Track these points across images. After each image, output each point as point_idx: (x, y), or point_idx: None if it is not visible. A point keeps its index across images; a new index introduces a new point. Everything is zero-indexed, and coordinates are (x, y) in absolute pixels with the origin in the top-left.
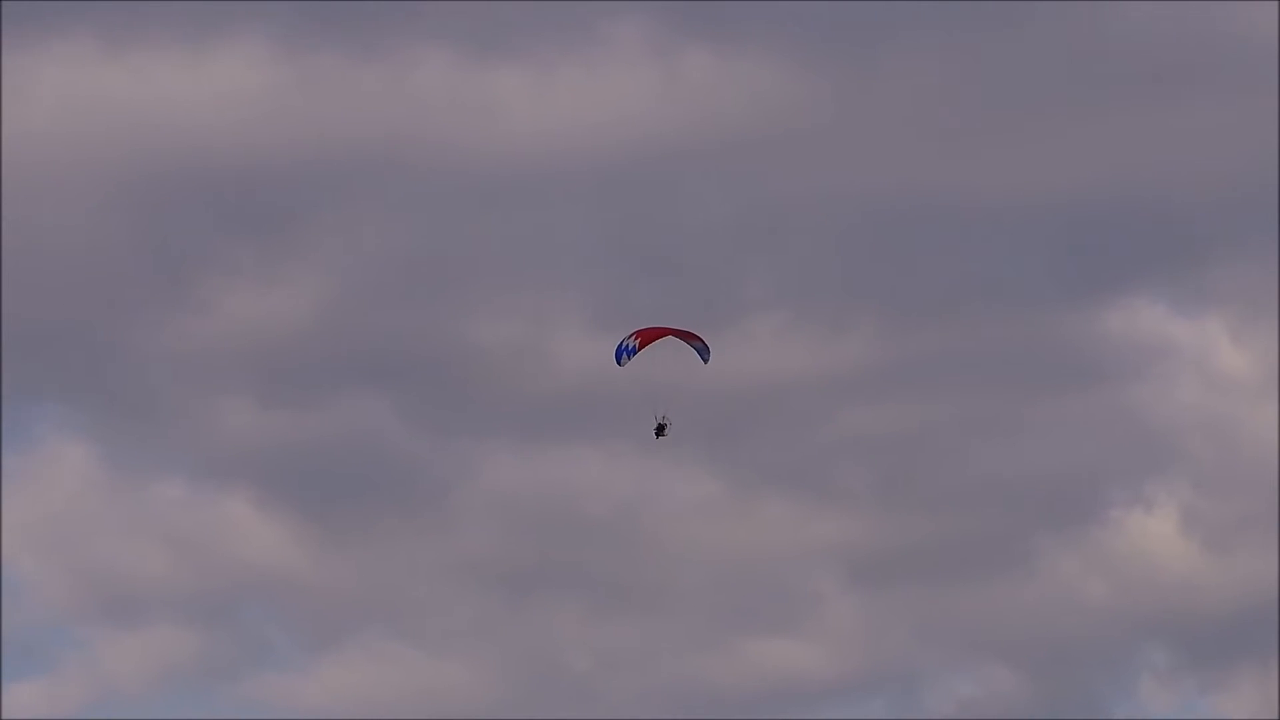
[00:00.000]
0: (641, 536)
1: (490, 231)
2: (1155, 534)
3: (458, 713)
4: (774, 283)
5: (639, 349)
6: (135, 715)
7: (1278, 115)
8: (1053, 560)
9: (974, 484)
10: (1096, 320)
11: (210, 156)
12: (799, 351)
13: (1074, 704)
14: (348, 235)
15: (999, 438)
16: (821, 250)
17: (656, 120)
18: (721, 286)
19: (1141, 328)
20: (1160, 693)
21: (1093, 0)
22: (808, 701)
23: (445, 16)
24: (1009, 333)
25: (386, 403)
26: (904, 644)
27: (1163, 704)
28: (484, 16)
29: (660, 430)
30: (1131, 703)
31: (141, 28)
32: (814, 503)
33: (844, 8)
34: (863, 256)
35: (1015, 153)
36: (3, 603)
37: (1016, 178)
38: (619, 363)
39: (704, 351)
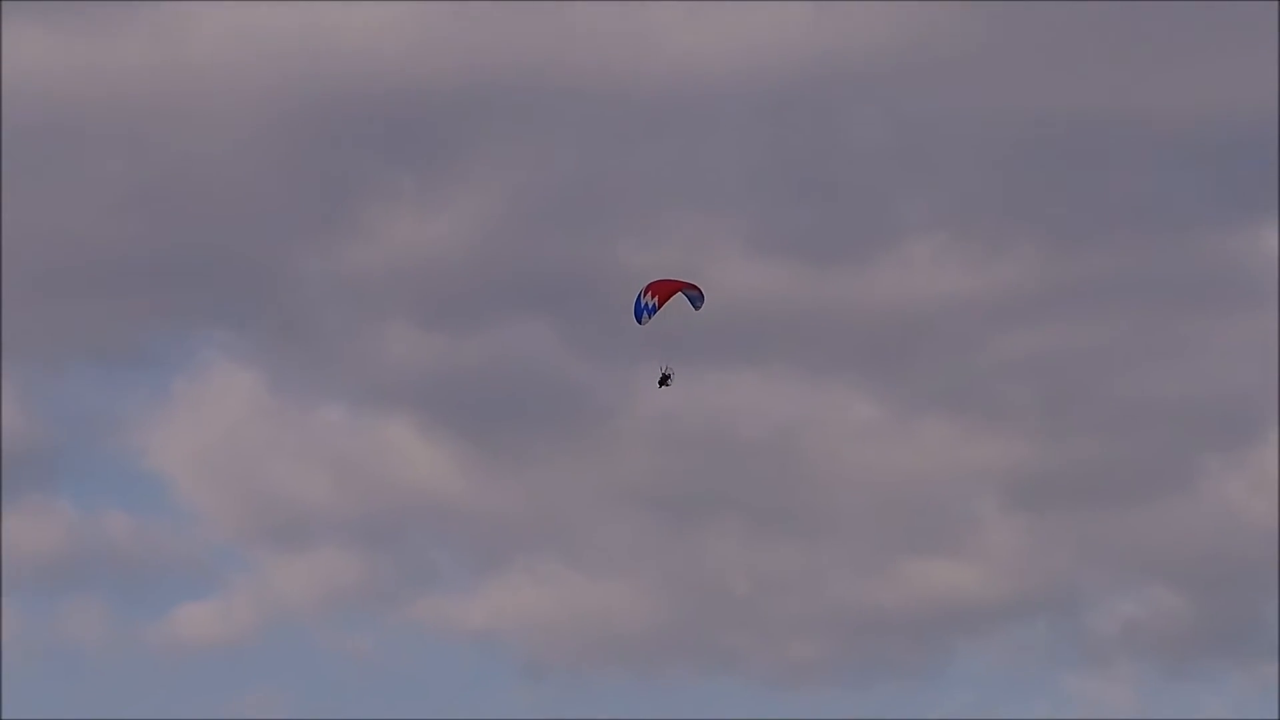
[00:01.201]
0: (801, 460)
1: (648, 156)
2: None
3: (619, 635)
4: (931, 205)
5: (658, 307)
6: (304, 637)
7: None
8: (1215, 480)
9: (1135, 405)
10: (1259, 239)
11: (372, 84)
12: (957, 274)
13: (1236, 624)
14: (508, 161)
15: (1160, 358)
16: (979, 172)
17: (813, 42)
18: (879, 209)
19: None
20: None
21: None
22: (969, 624)
23: None
24: (1170, 252)
25: (547, 327)
26: (1065, 565)
27: None
28: None
29: (664, 380)
30: None
31: None
32: (974, 425)
33: None
34: (1021, 178)
35: (1178, 71)
36: (174, 527)
37: (1179, 97)
38: (639, 321)
39: (697, 300)
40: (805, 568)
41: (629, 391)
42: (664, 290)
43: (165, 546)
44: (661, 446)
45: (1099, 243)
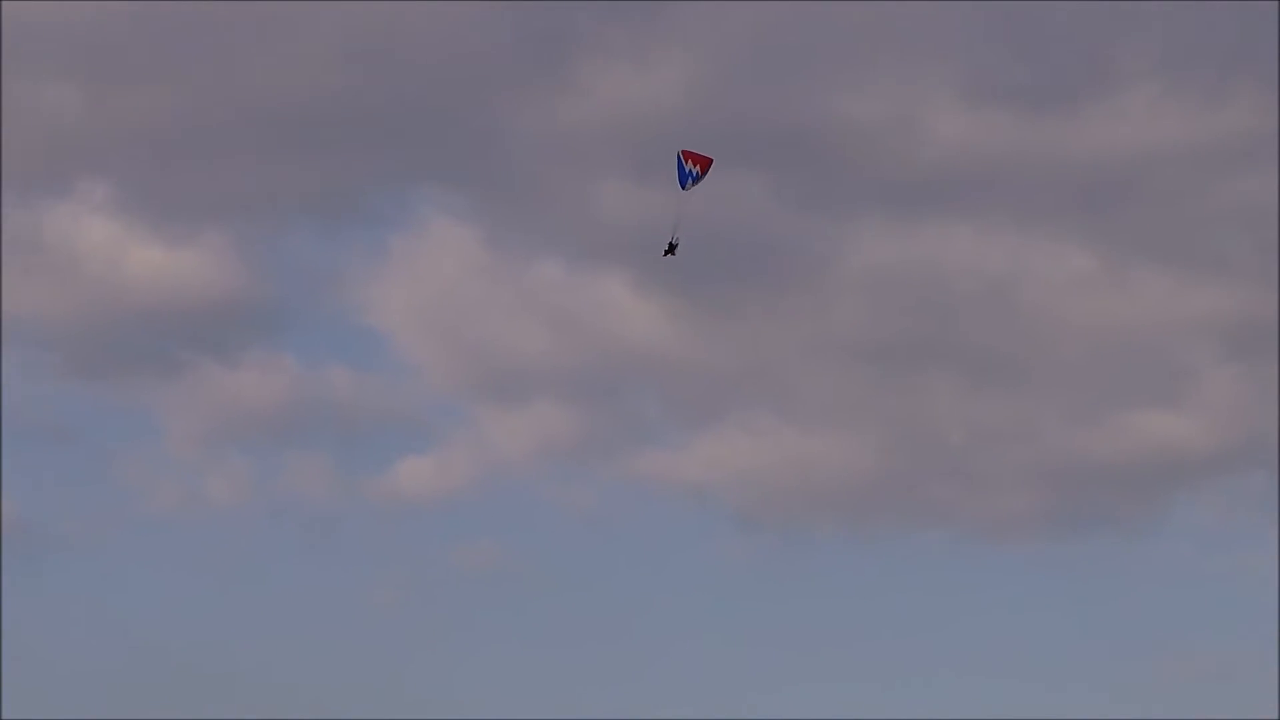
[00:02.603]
0: (1015, 311)
1: (861, 6)
2: None
3: (831, 488)
4: (1148, 53)
5: (700, 175)
6: (521, 491)
7: None
8: None
9: None
10: None
11: None
12: (1173, 123)
13: None
14: (720, 14)
15: None
16: (1197, 19)
17: None
18: (1094, 57)
19: None
20: None
21: None
22: (1184, 475)
23: None
24: None
25: (760, 181)
26: None
27: None
28: None
29: (671, 249)
30: None
31: None
32: (1191, 274)
33: None
34: (1237, 25)
35: None
36: (394, 382)
37: None
38: (683, 187)
39: (686, 178)
40: (1018, 420)
41: (841, 244)
42: (703, 161)
43: (385, 401)
44: (874, 299)
45: None
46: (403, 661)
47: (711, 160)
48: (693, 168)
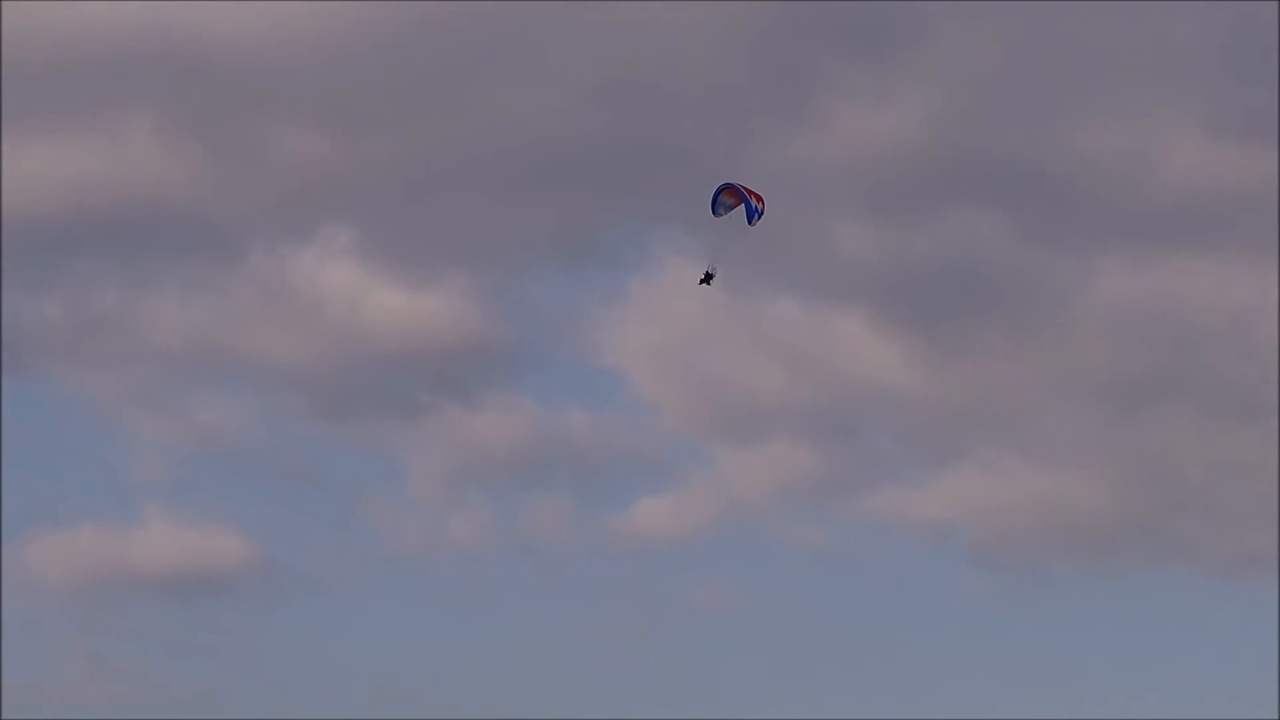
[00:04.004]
0: (1257, 345)
1: (1100, 39)
2: None
3: (1072, 524)
4: None
5: (734, 205)
6: (758, 530)
7: None
8: None
9: None
10: None
11: None
12: None
13: None
14: (958, 51)
15: None
16: None
17: None
18: None
19: None
20: None
21: None
22: None
23: None
24: None
25: (999, 217)
26: None
27: None
28: None
29: (707, 278)
30: None
31: None
32: None
33: None
34: None
35: None
36: (631, 422)
37: None
38: (715, 214)
39: (754, 214)
40: (1261, 455)
41: (1081, 279)
42: (736, 195)
43: (623, 441)
44: (1114, 334)
45: None
46: (641, 700)
47: (748, 194)
48: (726, 198)
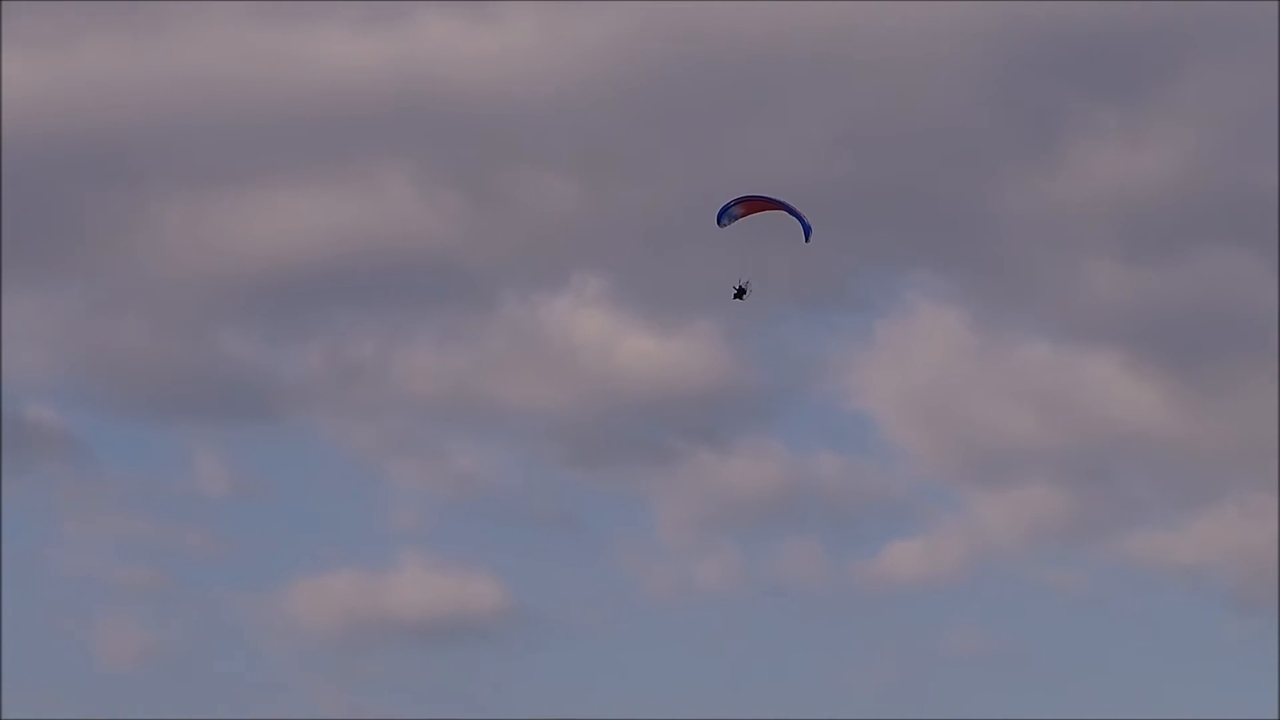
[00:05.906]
0: None
1: None
2: None
3: None
4: None
5: (741, 215)
6: (1010, 574)
7: None
8: None
9: None
10: None
11: (1073, 14)
12: None
13: None
14: (1210, 90)
15: None
16: None
17: None
18: None
19: None
20: None
21: None
22: None
23: None
24: None
25: (1253, 255)
26: None
27: None
28: None
29: (740, 293)
30: None
31: None
32: None
33: None
34: None
35: None
36: (882, 466)
37: None
38: (719, 223)
39: (808, 231)
40: None
41: None
42: (754, 205)
43: (873, 485)
44: None
45: None
46: None
47: (770, 204)
48: (736, 209)
